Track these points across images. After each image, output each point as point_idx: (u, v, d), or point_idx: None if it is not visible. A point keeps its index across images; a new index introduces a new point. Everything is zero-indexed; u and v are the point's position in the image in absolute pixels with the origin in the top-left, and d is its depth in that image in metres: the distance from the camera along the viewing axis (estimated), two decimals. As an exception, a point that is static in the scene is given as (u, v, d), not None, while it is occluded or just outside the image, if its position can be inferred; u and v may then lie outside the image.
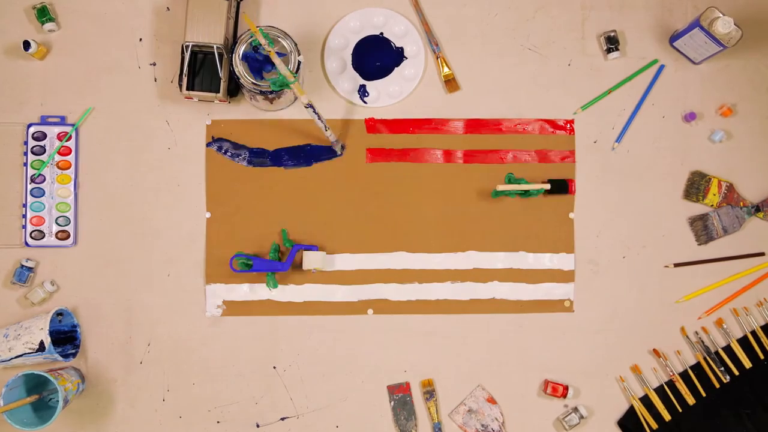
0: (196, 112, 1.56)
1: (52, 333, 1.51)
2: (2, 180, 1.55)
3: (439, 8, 1.59)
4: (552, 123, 1.58)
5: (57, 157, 1.54)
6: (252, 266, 1.50)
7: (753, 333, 1.56)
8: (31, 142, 1.54)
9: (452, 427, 1.54)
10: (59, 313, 1.51)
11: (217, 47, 1.46)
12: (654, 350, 1.55)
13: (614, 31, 1.57)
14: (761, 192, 1.58)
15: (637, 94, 1.58)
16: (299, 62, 1.42)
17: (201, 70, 1.51)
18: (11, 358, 1.46)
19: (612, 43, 1.57)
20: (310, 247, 1.51)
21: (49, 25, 1.54)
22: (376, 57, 1.58)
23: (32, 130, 1.54)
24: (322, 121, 1.45)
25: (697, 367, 1.55)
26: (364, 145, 1.57)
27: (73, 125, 1.55)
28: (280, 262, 1.50)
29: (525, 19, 1.59)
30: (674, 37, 1.56)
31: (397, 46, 1.58)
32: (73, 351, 1.52)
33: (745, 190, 1.57)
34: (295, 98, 1.56)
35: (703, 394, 1.54)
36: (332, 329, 1.55)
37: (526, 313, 1.56)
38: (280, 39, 1.42)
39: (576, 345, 1.56)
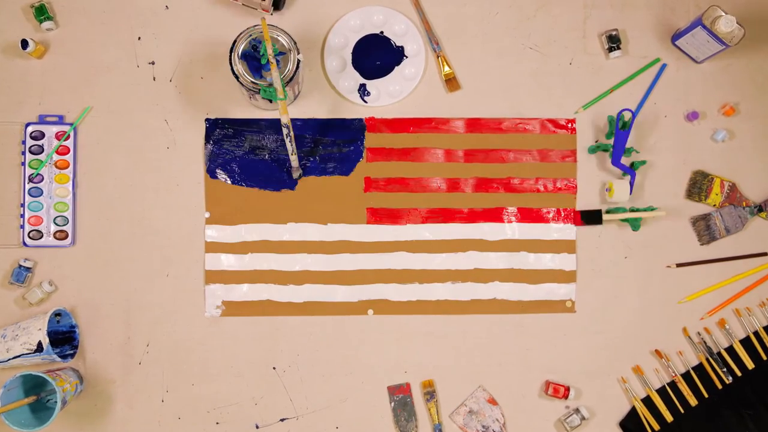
0: (196, 111, 1.56)
1: (50, 333, 1.50)
2: (0, 180, 1.54)
3: (439, 7, 1.58)
4: (553, 122, 1.58)
5: (55, 157, 1.54)
6: None
7: (755, 334, 1.55)
8: (29, 142, 1.53)
9: (453, 428, 1.54)
10: (57, 314, 1.51)
11: None
12: (656, 351, 1.55)
13: (616, 29, 1.56)
14: (764, 192, 1.57)
15: (638, 93, 1.58)
16: (298, 61, 1.42)
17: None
18: (9, 359, 1.45)
19: (613, 41, 1.56)
20: None
21: (47, 24, 1.54)
22: (376, 56, 1.57)
23: (30, 129, 1.54)
24: (292, 145, 1.44)
25: (699, 368, 1.55)
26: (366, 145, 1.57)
27: (71, 124, 1.54)
28: None
29: (526, 17, 1.58)
30: (676, 36, 1.56)
31: (397, 45, 1.58)
32: (72, 352, 1.51)
33: (747, 189, 1.57)
34: (295, 98, 1.55)
35: (705, 395, 1.54)
36: (332, 329, 1.55)
37: (527, 313, 1.56)
38: (279, 37, 1.42)
39: (577, 346, 1.55)
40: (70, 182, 1.54)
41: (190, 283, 1.54)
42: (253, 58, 1.43)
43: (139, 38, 1.56)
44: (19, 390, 1.45)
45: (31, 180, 1.53)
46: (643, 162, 1.53)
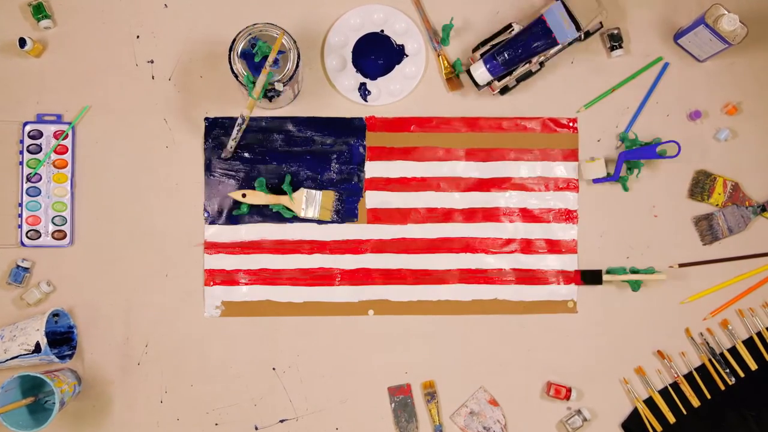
0: (195, 110, 1.55)
1: (48, 334, 1.50)
2: (-2, 179, 1.54)
3: (440, 5, 1.57)
4: (555, 121, 1.57)
5: (53, 156, 1.53)
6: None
7: (759, 334, 1.55)
8: (27, 141, 1.53)
9: (454, 430, 1.53)
10: (55, 314, 1.50)
11: None
12: (658, 352, 1.54)
13: (618, 28, 1.56)
14: (767, 191, 1.56)
15: (641, 92, 1.57)
16: (298, 59, 1.41)
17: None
18: (6, 360, 1.45)
19: (615, 40, 1.56)
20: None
21: (45, 22, 1.53)
22: (376, 55, 1.57)
23: (28, 128, 1.53)
24: (238, 135, 1.45)
25: (702, 369, 1.54)
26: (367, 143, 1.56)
27: (69, 123, 1.54)
28: None
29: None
30: (679, 35, 1.55)
31: (397, 43, 1.57)
32: (70, 352, 1.51)
33: (750, 189, 1.56)
34: (294, 97, 1.54)
35: (708, 397, 1.54)
36: (332, 330, 1.54)
37: (528, 314, 1.55)
38: (278, 36, 1.41)
39: (579, 346, 1.55)
40: (69, 182, 1.53)
41: (189, 284, 1.54)
42: (253, 57, 1.42)
43: (138, 37, 1.56)
44: (16, 391, 1.45)
45: (29, 179, 1.53)
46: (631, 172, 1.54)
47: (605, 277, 1.53)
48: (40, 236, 1.53)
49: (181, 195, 1.55)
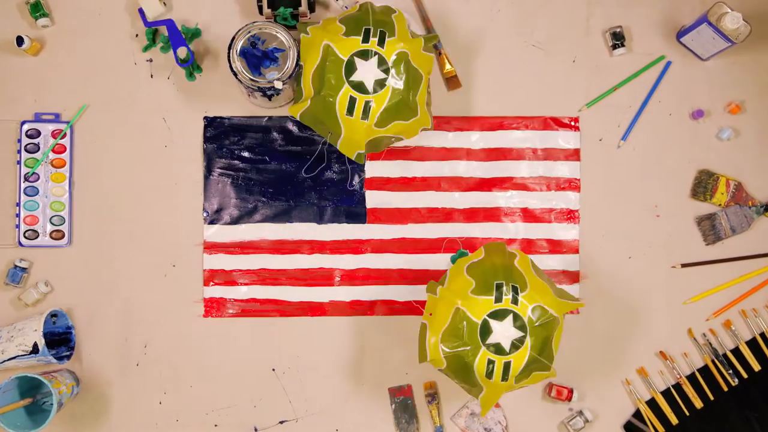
0: (194, 109, 1.54)
1: (46, 335, 1.50)
2: (-5, 178, 1.54)
3: (440, 4, 1.57)
4: (556, 120, 1.56)
5: (51, 155, 1.53)
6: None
7: (762, 335, 1.55)
8: (25, 140, 1.52)
9: (454, 431, 1.53)
10: (53, 315, 1.50)
11: None
12: (660, 352, 1.54)
13: (620, 26, 1.55)
14: (770, 191, 1.56)
15: (643, 91, 1.57)
16: (297, 57, 1.40)
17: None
18: (4, 361, 1.44)
19: (617, 39, 1.55)
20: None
21: (42, 21, 1.52)
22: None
23: (26, 127, 1.52)
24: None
25: (704, 370, 1.54)
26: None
27: (67, 122, 1.53)
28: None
29: (528, 14, 1.57)
30: (681, 33, 1.55)
31: (398, 42, 1.56)
32: (68, 353, 1.50)
33: (753, 188, 1.56)
34: (294, 95, 1.54)
35: (711, 398, 1.54)
36: (332, 330, 1.54)
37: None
38: (278, 34, 1.40)
39: (581, 347, 1.54)
40: (67, 181, 1.53)
41: (188, 284, 1.53)
42: (252, 55, 1.41)
43: (137, 35, 1.55)
44: (14, 392, 1.44)
45: (26, 179, 1.52)
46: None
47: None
48: (37, 236, 1.52)
49: (180, 194, 1.54)
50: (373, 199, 1.55)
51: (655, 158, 1.56)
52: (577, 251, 1.55)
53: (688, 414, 1.53)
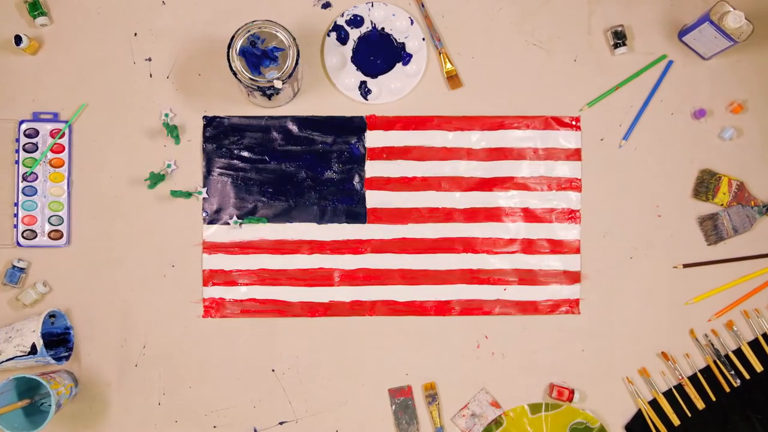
0: (193, 108, 1.54)
1: (44, 335, 1.50)
2: (-7, 178, 1.53)
3: (441, 3, 1.57)
4: (557, 120, 1.56)
5: (50, 155, 1.52)
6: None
7: (764, 336, 1.54)
8: (23, 140, 1.52)
9: (455, 432, 1.52)
10: (52, 315, 1.49)
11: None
12: (662, 353, 1.54)
13: (621, 25, 1.55)
14: (773, 191, 1.56)
15: (644, 90, 1.56)
16: (297, 56, 1.39)
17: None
18: (2, 362, 1.44)
19: (619, 38, 1.55)
20: None
21: (41, 20, 1.52)
22: (377, 53, 1.55)
23: (24, 127, 1.52)
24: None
25: (706, 371, 1.54)
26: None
27: (66, 122, 1.53)
28: None
29: (530, 13, 1.57)
30: (683, 32, 1.54)
31: (398, 41, 1.55)
32: (66, 354, 1.50)
33: (756, 188, 1.55)
34: (294, 95, 1.53)
35: (713, 399, 1.53)
36: (332, 331, 1.54)
37: (531, 314, 1.53)
38: (278, 33, 1.40)
39: (582, 347, 1.54)
40: (65, 181, 1.52)
41: (187, 284, 1.53)
42: (252, 55, 1.41)
43: (136, 34, 1.55)
44: (12, 393, 1.44)
45: (25, 178, 1.52)
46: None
47: None
48: (36, 236, 1.51)
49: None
50: (374, 199, 1.55)
51: (656, 158, 1.55)
52: (578, 251, 1.55)
53: (689, 415, 1.52)
